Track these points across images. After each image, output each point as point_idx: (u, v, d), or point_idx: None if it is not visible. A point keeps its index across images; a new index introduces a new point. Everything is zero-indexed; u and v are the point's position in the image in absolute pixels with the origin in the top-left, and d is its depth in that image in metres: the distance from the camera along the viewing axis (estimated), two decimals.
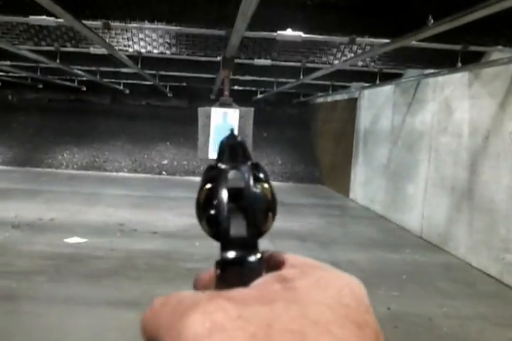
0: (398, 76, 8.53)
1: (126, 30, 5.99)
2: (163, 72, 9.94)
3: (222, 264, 0.41)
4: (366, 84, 9.48)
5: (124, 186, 13.55)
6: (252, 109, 5.91)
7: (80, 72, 9.37)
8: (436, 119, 8.00)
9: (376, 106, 10.81)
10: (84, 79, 11.29)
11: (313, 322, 0.35)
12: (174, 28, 5.26)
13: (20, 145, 16.06)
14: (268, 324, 0.35)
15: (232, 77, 6.69)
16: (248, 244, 0.43)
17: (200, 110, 5.78)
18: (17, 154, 16.02)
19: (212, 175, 0.46)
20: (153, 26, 5.29)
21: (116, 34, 6.10)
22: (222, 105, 5.86)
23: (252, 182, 0.45)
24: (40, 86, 14.34)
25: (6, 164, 15.85)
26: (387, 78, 8.48)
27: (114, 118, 16.13)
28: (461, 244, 7.01)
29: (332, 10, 4.52)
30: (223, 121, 5.73)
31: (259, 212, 0.44)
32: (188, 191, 13.36)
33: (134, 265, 6.54)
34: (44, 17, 4.59)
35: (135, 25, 5.28)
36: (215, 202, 0.44)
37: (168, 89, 13.48)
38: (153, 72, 9.70)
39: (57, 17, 4.35)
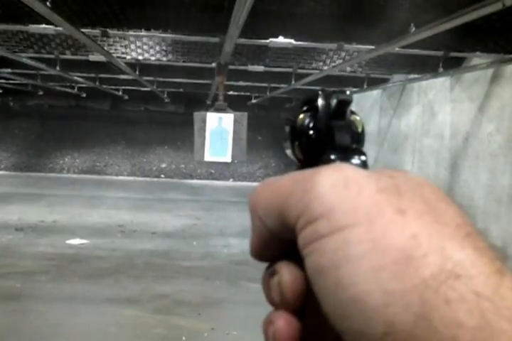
0: (385, 81, 8.60)
1: (124, 38, 6.01)
2: (160, 79, 9.97)
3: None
4: (354, 89, 9.54)
5: (124, 189, 13.57)
6: (246, 113, 5.97)
7: (79, 78, 9.39)
8: (420, 122, 8.07)
9: (364, 110, 10.86)
10: (84, 85, 11.29)
11: (431, 192, 0.36)
12: (170, 35, 5.30)
13: (22, 151, 16.03)
14: (395, 184, 0.35)
15: (227, 82, 6.74)
16: (353, 149, 0.43)
17: (196, 115, 5.83)
18: (19, 159, 16.00)
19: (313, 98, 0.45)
20: (149, 34, 5.31)
21: (114, 42, 6.11)
22: (217, 110, 5.91)
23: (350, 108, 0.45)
24: (41, 92, 14.28)
25: (8, 169, 15.84)
26: (374, 83, 8.54)
27: (113, 123, 16.11)
28: None
29: (319, 18, 4.58)
30: (218, 125, 5.79)
31: (357, 132, 0.45)
32: (186, 193, 13.40)
33: (134, 264, 6.58)
34: (44, 26, 4.60)
35: (132, 33, 5.32)
36: (319, 115, 0.44)
37: (165, 95, 13.49)
38: (151, 78, 9.73)
39: (56, 25, 4.38)
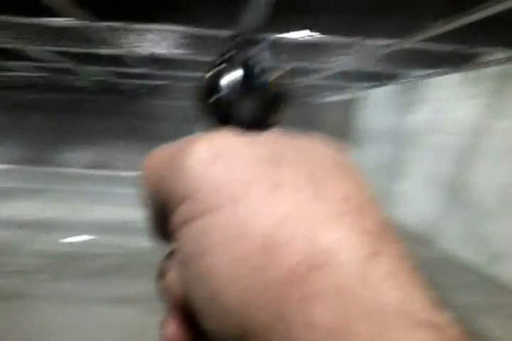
0: (399, 76, 8.52)
1: (138, 32, 5.99)
2: (174, 73, 9.92)
3: None
4: (367, 85, 9.47)
5: (132, 185, 13.53)
6: None
7: (92, 72, 9.37)
8: (434, 118, 8.02)
9: (377, 106, 10.80)
10: (97, 79, 11.28)
11: (326, 159, 0.31)
12: (183, 29, 5.25)
13: (30, 145, 16.03)
14: (278, 154, 0.30)
15: None
16: (260, 123, 0.37)
17: None
18: (25, 153, 15.99)
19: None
20: (162, 27, 5.28)
21: (127, 35, 6.09)
22: None
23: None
24: (52, 86, 14.31)
25: (13, 163, 15.83)
26: (387, 79, 8.47)
27: (124, 117, 16.11)
28: (452, 238, 7.03)
29: (334, 12, 4.53)
30: None
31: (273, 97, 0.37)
32: None
33: (139, 262, 6.52)
34: (57, 19, 4.60)
35: (144, 26, 5.28)
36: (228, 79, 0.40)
37: (179, 90, 13.46)
38: (164, 72, 9.69)
39: (70, 19, 4.37)
